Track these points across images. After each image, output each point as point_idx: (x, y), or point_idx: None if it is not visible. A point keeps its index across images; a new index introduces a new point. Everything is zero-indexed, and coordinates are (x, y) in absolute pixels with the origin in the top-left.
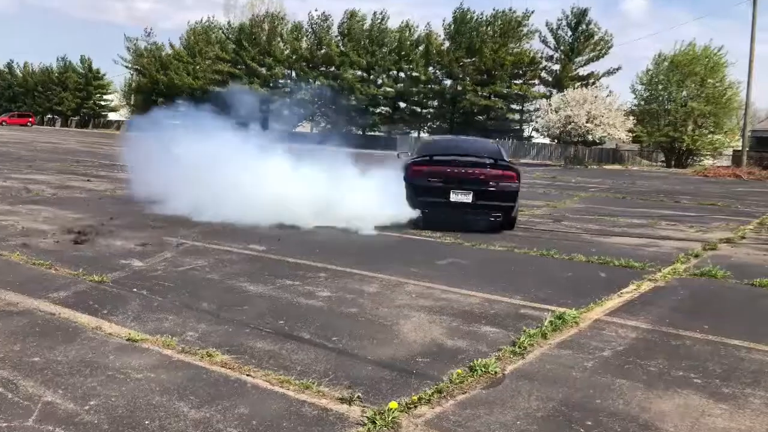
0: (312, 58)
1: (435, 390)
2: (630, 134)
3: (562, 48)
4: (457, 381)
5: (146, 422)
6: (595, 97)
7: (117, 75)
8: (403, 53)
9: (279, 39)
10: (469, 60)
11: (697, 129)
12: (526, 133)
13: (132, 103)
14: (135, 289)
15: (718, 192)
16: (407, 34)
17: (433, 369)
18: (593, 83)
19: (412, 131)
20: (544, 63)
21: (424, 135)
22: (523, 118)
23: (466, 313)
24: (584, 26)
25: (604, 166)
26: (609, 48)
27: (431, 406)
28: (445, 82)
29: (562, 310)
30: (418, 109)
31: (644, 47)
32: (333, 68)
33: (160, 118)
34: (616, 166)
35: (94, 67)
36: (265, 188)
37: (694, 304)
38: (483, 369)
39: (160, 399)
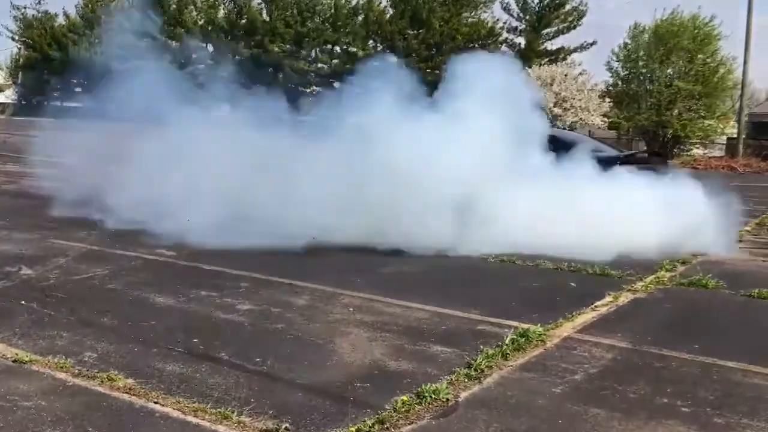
0: (231, 29)
1: (376, 420)
2: (606, 119)
3: (527, 18)
4: (403, 409)
5: None
6: (565, 75)
7: (1, 50)
8: (338, 24)
9: (192, 6)
10: (414, 32)
11: (684, 113)
12: None
13: (19, 81)
14: (23, 302)
15: (711, 187)
16: (344, 1)
17: (374, 395)
18: (563, 59)
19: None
20: (506, 35)
21: None
22: None
23: (413, 330)
24: None
25: None
26: (582, 18)
27: None
28: (388, 58)
29: (525, 326)
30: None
31: (623, 18)
32: (256, 40)
33: None
34: None
35: None
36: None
37: (682, 319)
38: (433, 395)
39: (52, 431)
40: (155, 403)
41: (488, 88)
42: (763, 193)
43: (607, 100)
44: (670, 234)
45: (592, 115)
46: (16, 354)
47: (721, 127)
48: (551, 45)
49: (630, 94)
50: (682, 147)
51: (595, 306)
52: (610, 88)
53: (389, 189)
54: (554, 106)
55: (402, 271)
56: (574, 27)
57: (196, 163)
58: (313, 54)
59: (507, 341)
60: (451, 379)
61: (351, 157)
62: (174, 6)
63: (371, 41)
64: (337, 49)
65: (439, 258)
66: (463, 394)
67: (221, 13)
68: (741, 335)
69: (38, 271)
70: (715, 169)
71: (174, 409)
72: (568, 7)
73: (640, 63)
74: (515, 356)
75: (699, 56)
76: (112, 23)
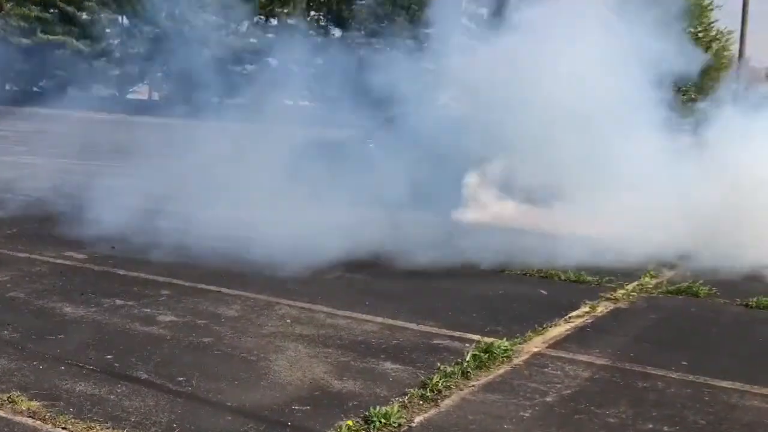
0: None
1: None
2: None
3: None
4: None
5: None
6: None
7: None
8: None
9: None
10: (362, 1)
11: (672, 94)
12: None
13: None
14: None
15: None
16: None
17: (314, 420)
18: None
19: (288, 99)
20: (466, 5)
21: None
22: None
23: (359, 345)
24: None
25: None
26: None
27: None
28: (333, 31)
29: (489, 340)
30: (296, 69)
31: None
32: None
33: None
34: None
35: None
36: None
37: (669, 333)
38: (382, 420)
39: None
40: (63, 428)
41: None
42: None
43: None
44: None
45: None
46: None
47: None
48: None
49: None
50: None
51: (570, 317)
52: None
53: None
54: None
55: (347, 278)
56: None
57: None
58: (244, 27)
59: (468, 358)
60: (404, 402)
61: None
62: None
63: (313, 12)
64: (274, 21)
65: (388, 263)
66: (418, 419)
67: None
68: (737, 351)
69: None
70: None
71: None
72: None
73: None
74: (477, 375)
75: (689, 29)
76: None
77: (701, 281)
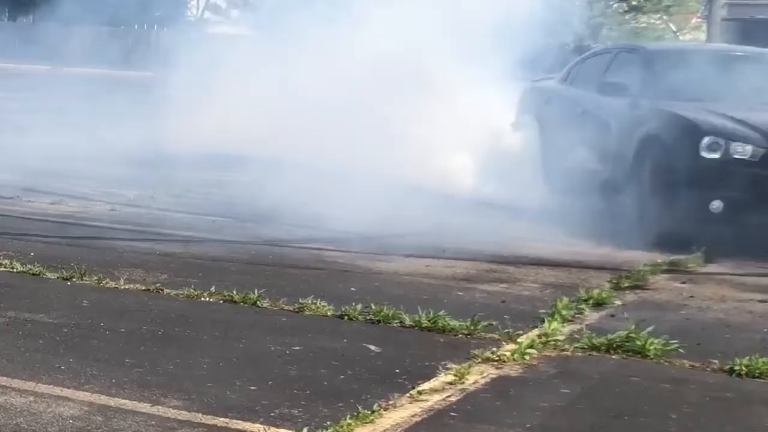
0: None
1: None
2: None
3: None
4: None
5: None
6: None
7: None
8: None
9: None
10: None
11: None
12: (193, 15)
13: None
14: None
15: None
16: None
17: None
18: None
19: None
20: None
21: None
22: None
23: None
24: None
25: None
26: None
27: None
28: None
29: None
30: None
31: None
32: None
33: None
34: None
35: None
36: None
37: (594, 420)
38: None
39: None
40: None
41: None
42: None
43: None
44: None
45: None
46: None
47: (675, 30)
48: None
49: None
50: None
51: (420, 392)
52: None
53: None
54: None
55: (23, 320)
56: None
57: None
58: None
59: None
60: None
61: None
62: None
63: None
64: None
65: (98, 294)
66: None
67: None
68: None
69: None
70: None
71: None
72: None
73: None
74: None
75: None
76: None
77: (650, 328)
